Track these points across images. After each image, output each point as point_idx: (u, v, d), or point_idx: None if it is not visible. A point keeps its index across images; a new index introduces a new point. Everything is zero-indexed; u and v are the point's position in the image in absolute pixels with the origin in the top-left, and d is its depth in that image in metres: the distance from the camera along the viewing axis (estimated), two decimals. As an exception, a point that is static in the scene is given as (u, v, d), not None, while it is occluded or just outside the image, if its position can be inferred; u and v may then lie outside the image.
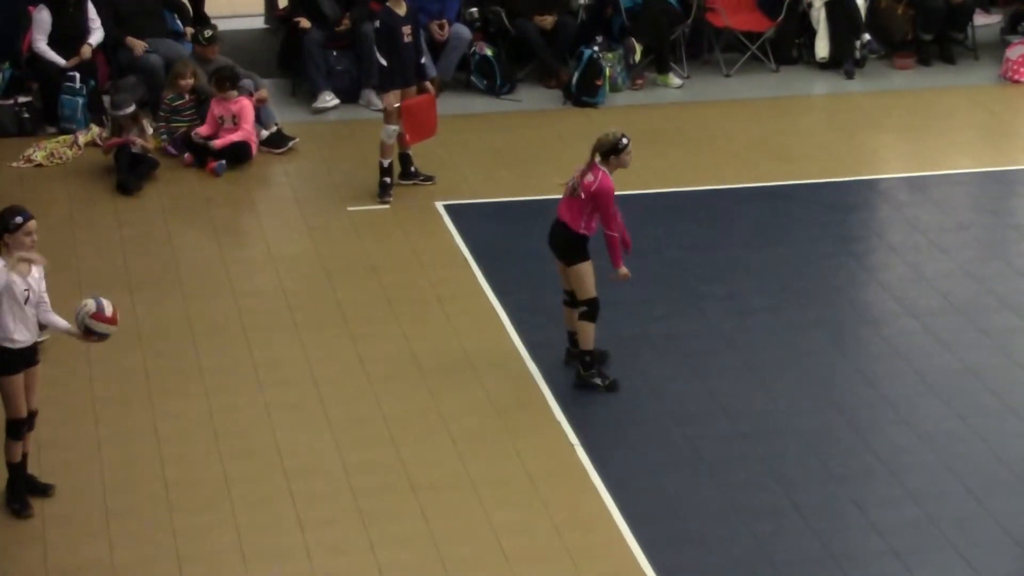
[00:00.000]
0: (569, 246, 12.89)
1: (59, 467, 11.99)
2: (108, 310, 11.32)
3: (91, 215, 16.33)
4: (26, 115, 17.85)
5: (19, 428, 11.35)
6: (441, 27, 18.71)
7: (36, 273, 11.17)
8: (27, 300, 11.09)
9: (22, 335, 11.15)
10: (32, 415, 11.44)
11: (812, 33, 20.18)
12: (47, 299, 11.35)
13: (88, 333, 11.39)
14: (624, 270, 13.05)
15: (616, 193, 12.90)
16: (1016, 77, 19.94)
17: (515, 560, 11.32)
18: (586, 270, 12.88)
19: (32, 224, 11.01)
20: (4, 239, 10.93)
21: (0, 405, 11.39)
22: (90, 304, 11.29)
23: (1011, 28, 20.70)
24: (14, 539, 11.31)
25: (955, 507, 12.10)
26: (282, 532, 11.45)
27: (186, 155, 17.27)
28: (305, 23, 18.48)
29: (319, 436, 12.69)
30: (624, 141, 12.77)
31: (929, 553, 11.61)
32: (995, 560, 11.45)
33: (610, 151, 12.78)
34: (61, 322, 11.44)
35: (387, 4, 16.35)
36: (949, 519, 11.96)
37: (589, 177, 12.71)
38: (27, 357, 11.27)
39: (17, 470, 11.48)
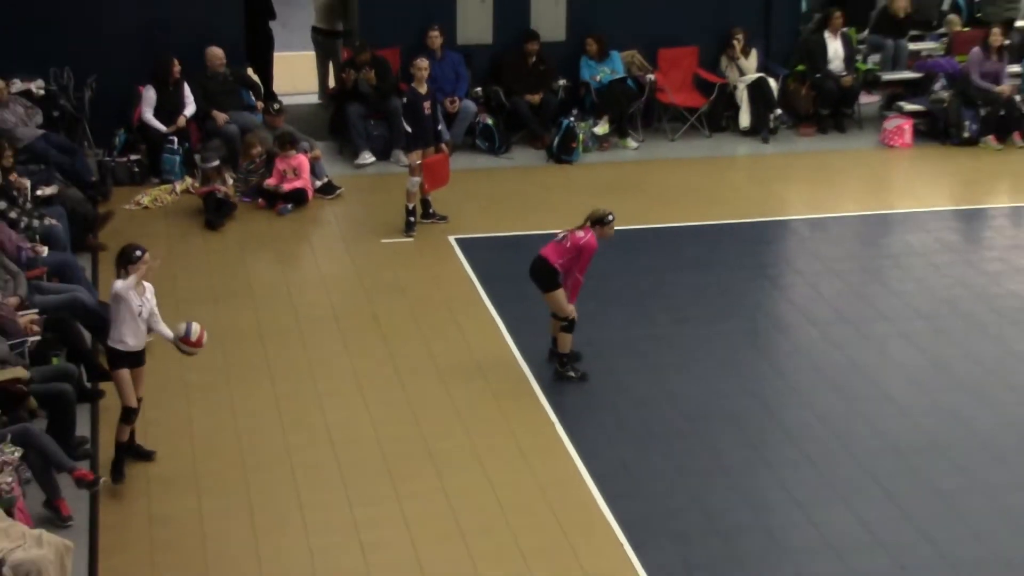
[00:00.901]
0: (545, 277, 13.00)
1: (160, 438, 12.01)
2: (194, 335, 11.42)
3: (186, 246, 16.33)
4: (136, 169, 17.90)
5: (130, 415, 11.37)
6: (453, 102, 18.76)
7: (148, 293, 11.30)
8: (139, 314, 11.14)
9: (132, 340, 11.24)
10: (138, 403, 11.44)
11: (736, 108, 20.18)
12: (158, 312, 11.38)
13: (179, 350, 11.51)
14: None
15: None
16: (890, 143, 19.98)
17: (507, 509, 11.40)
18: (560, 295, 13.01)
19: (147, 255, 11.12)
20: (128, 268, 11.04)
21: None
22: (181, 328, 11.38)
23: (887, 106, 20.74)
24: (126, 494, 11.36)
25: (843, 469, 12.15)
26: (329, 489, 11.52)
27: (259, 200, 17.33)
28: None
29: (357, 416, 12.73)
30: (610, 217, 13.10)
31: (823, 503, 11.65)
32: (872, 507, 11.49)
33: (598, 221, 13.04)
34: (167, 332, 11.43)
35: (412, 85, 16.46)
36: (839, 478, 12.01)
37: (580, 234, 12.91)
38: (134, 359, 11.31)
39: (123, 448, 11.48)
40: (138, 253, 11.15)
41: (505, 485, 11.80)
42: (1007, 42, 20.65)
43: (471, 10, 19.47)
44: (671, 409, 13.07)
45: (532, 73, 19.42)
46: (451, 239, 16.62)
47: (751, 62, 20.14)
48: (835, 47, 20.44)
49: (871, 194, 18.56)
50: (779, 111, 20.19)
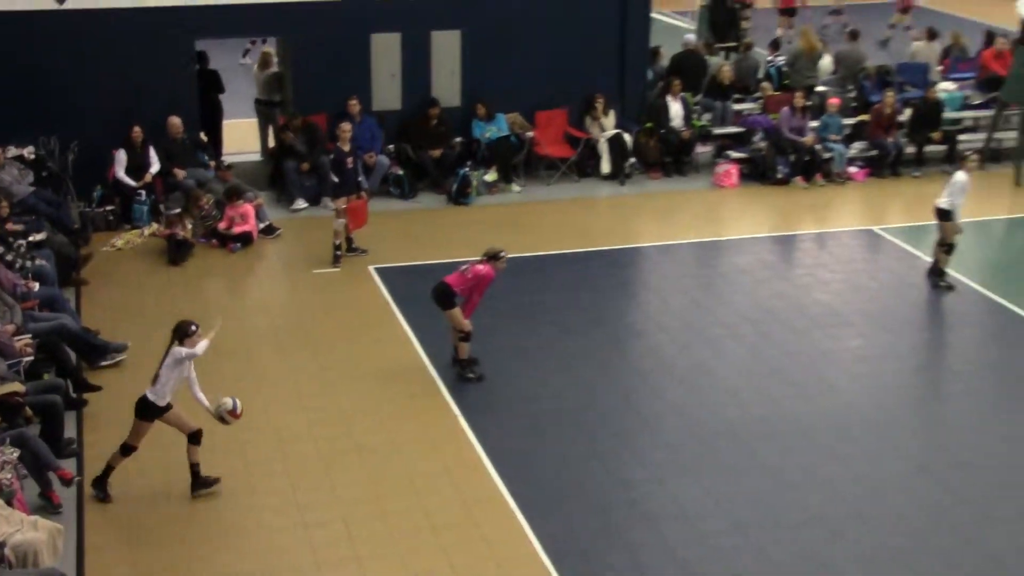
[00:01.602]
0: (443, 298, 13.12)
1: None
2: (239, 409, 11.14)
3: (153, 279, 16.11)
4: (111, 217, 17.64)
5: (129, 451, 11.08)
6: (370, 157, 18.64)
7: (188, 365, 10.99)
8: (185, 378, 11.00)
9: (170, 398, 10.92)
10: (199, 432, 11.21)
11: (599, 158, 20.23)
12: (196, 380, 11.17)
13: (220, 419, 11.15)
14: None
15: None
16: (721, 183, 20.12)
17: (420, 489, 11.49)
18: (456, 312, 13.14)
19: (198, 329, 10.89)
20: (183, 341, 10.75)
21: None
22: (228, 403, 11.09)
23: (718, 154, 20.88)
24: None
25: (691, 449, 12.24)
26: (274, 477, 11.57)
27: (213, 241, 17.12)
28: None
29: (296, 416, 12.65)
30: (502, 253, 13.31)
31: (676, 478, 11.74)
32: (715, 480, 11.57)
33: (493, 256, 13.23)
34: (204, 400, 11.14)
35: (337, 144, 16.48)
36: (688, 457, 12.07)
37: (480, 267, 13.08)
38: (162, 410, 10.91)
39: (111, 470, 11.19)
40: (193, 328, 10.85)
41: (419, 470, 11.83)
42: (808, 103, 20.93)
43: (383, 82, 19.38)
44: (554, 404, 13.11)
45: (434, 132, 19.36)
46: (371, 268, 16.49)
47: (609, 121, 20.23)
48: (675, 108, 20.59)
49: (706, 225, 18.67)
50: (633, 160, 20.29)
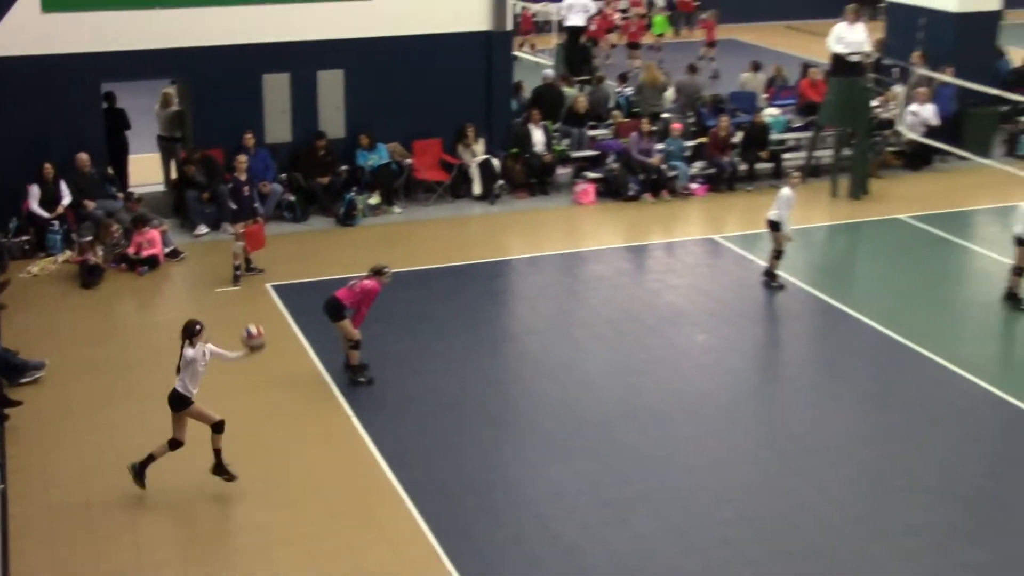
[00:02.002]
0: (333, 311, 13.05)
1: (59, 446, 11.49)
2: (254, 330, 11.38)
3: (67, 302, 15.70)
4: (27, 247, 17.10)
5: (178, 446, 11.13)
6: (265, 186, 18.39)
7: (207, 348, 11.04)
8: (202, 370, 11.01)
9: (195, 389, 11.03)
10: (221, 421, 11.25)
11: (471, 181, 20.22)
12: (220, 350, 11.29)
13: (255, 349, 11.42)
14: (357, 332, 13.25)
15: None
16: (579, 201, 20.24)
17: (320, 480, 11.44)
18: (346, 324, 13.08)
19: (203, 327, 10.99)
20: (192, 340, 10.83)
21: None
22: (243, 333, 11.40)
23: (576, 175, 20.98)
24: (27, 492, 10.93)
25: (560, 437, 12.33)
26: (190, 475, 11.30)
27: (122, 265, 16.73)
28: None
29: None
30: (387, 269, 13.29)
31: (548, 463, 11.81)
32: (583, 463, 11.65)
33: (378, 272, 13.20)
34: (233, 355, 11.40)
35: (235, 174, 16.33)
36: (558, 444, 12.15)
37: (366, 281, 13.04)
38: (191, 402, 11.00)
39: (152, 459, 11.16)
40: (198, 327, 10.92)
41: (318, 464, 11.80)
42: (654, 128, 21.17)
43: (275, 118, 19.16)
44: (438, 401, 13.09)
45: (322, 162, 19.18)
46: (268, 286, 16.28)
47: (479, 147, 20.24)
48: (537, 135, 20.69)
49: (568, 238, 18.80)
50: (501, 181, 20.31)
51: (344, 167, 19.55)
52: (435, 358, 14.20)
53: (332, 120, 19.60)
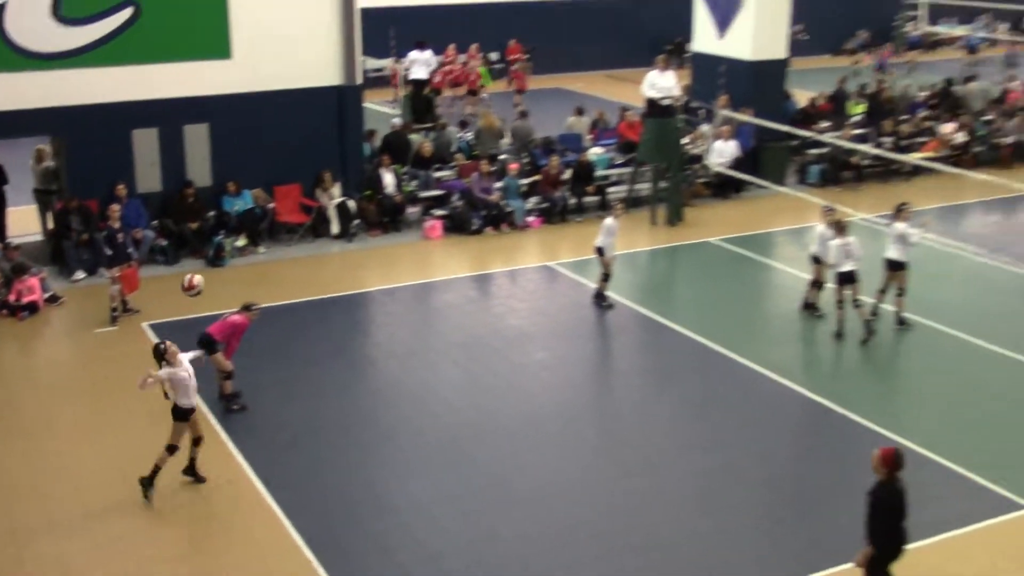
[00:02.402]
0: (208, 345, 12.77)
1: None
2: (186, 282, 13.20)
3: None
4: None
5: (174, 450, 11.31)
6: (138, 232, 17.92)
7: (185, 361, 11.26)
8: (191, 380, 11.20)
9: (194, 399, 11.31)
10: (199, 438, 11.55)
11: (329, 221, 20.05)
12: (193, 356, 11.68)
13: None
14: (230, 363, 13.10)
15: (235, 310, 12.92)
16: (428, 236, 20.28)
17: (200, 501, 11.20)
18: (219, 357, 12.87)
19: (171, 345, 11.20)
20: (163, 361, 11.07)
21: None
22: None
23: (424, 212, 21.00)
24: None
25: (422, 452, 12.28)
26: (73, 502, 10.80)
27: (3, 311, 16.11)
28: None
29: (90, 449, 12.05)
30: (255, 305, 13.17)
31: (409, 476, 11.74)
32: (443, 475, 11.63)
33: (247, 308, 13.10)
34: (196, 353, 11.99)
35: (109, 223, 15.88)
36: (419, 458, 12.10)
37: (236, 317, 12.93)
38: (191, 412, 11.29)
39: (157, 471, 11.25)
40: (162, 346, 11.18)
41: (197, 487, 11.48)
42: (493, 168, 21.36)
43: (145, 169, 18.73)
44: (307, 423, 12.96)
45: (190, 208, 18.81)
46: (144, 325, 15.88)
47: (336, 190, 20.10)
48: (388, 178, 20.67)
49: (419, 270, 18.79)
50: (357, 221, 20.21)
51: (211, 212, 19.20)
52: (303, 385, 14.03)
53: (199, 169, 19.24)
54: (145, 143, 18.72)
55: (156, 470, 11.18)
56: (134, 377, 13.96)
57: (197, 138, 19.17)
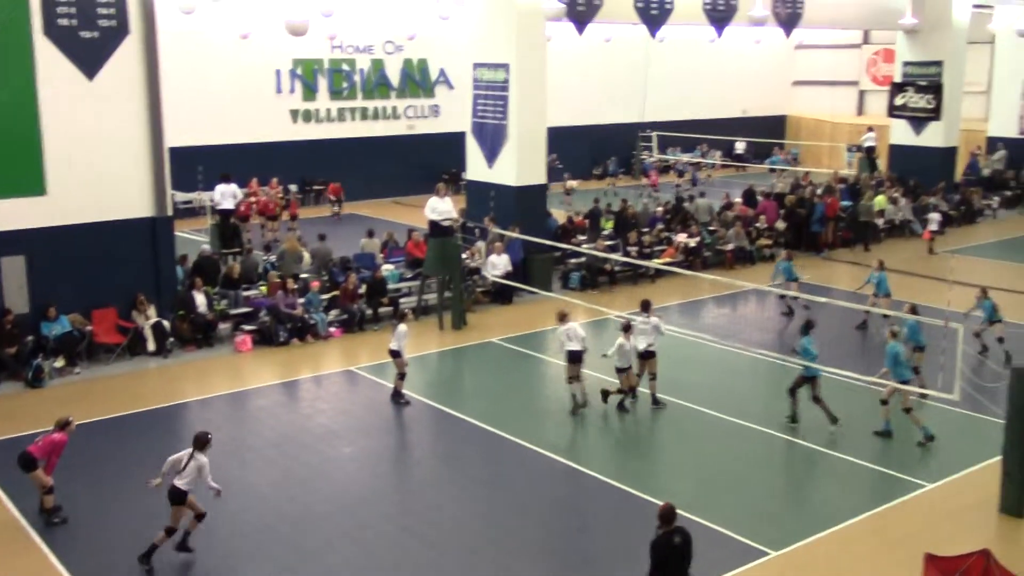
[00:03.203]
0: (28, 463, 12.26)
1: None
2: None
3: None
4: None
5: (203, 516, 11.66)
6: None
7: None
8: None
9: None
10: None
11: (146, 340, 19.31)
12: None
13: None
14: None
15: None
16: (239, 349, 19.85)
17: None
18: (38, 473, 12.32)
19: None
20: (204, 449, 11.41)
21: None
22: None
23: (235, 328, 20.51)
24: None
25: (238, 546, 11.82)
26: None
27: None
28: None
29: None
30: (71, 421, 12.57)
31: (233, 566, 11.23)
32: (264, 564, 11.18)
33: (63, 425, 12.47)
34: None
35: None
36: (239, 549, 11.64)
37: (55, 435, 12.31)
38: (187, 496, 11.44)
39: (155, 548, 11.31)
40: (209, 436, 11.48)
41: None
42: (296, 286, 21.23)
43: (-37, 299, 17.71)
44: (127, 528, 12.30)
45: (8, 334, 17.80)
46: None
47: (151, 311, 19.45)
48: (200, 298, 20.21)
49: (233, 381, 18.29)
50: (172, 339, 19.59)
51: (30, 337, 18.19)
52: (123, 494, 13.31)
53: (16, 298, 18.29)
54: (-37, 276, 17.74)
55: (154, 548, 11.28)
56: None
57: (14, 269, 18.24)
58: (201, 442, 11.36)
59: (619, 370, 16.25)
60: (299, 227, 29.83)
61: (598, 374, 17.15)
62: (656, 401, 16.61)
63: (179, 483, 11.24)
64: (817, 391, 15.57)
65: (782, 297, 22.59)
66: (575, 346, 16.26)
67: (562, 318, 16.52)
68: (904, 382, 15.16)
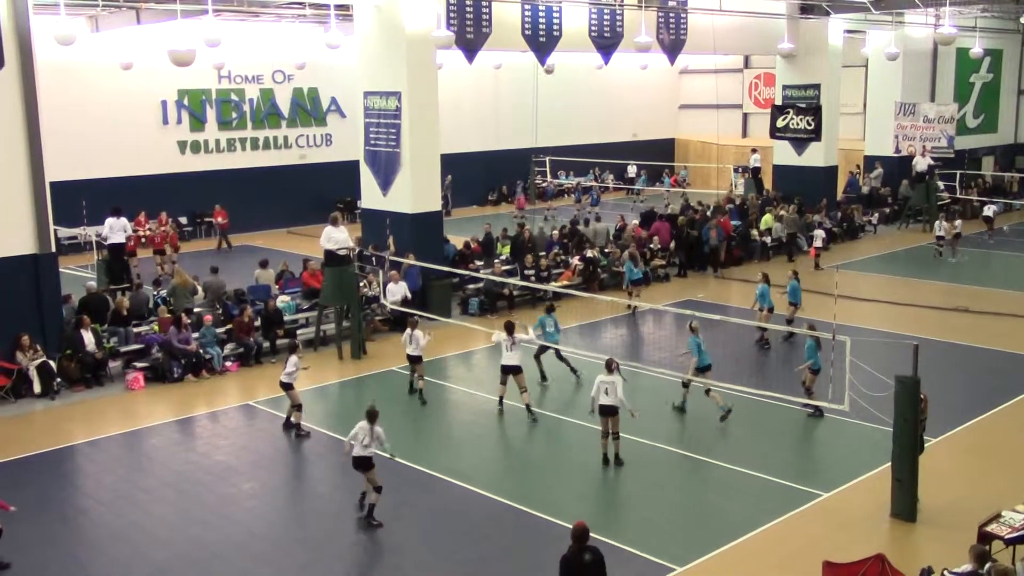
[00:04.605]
0: None
1: None
2: None
3: None
4: None
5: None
6: None
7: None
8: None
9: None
10: None
11: (31, 381, 18.58)
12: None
13: None
14: None
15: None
16: (132, 388, 19.30)
17: None
18: None
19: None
20: (375, 421, 13.18)
21: None
22: None
23: (126, 366, 19.90)
24: None
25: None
26: None
27: None
28: None
29: None
30: None
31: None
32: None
33: None
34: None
35: None
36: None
37: None
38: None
39: None
40: (376, 410, 13.26)
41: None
42: (190, 320, 20.72)
43: None
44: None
45: None
46: None
47: (39, 353, 18.71)
48: (88, 337, 19.56)
49: (125, 420, 17.71)
50: (59, 379, 18.91)
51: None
52: (6, 544, 12.57)
53: None
54: None
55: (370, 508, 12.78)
56: None
57: None
58: (373, 416, 13.06)
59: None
60: (178, 259, 29.16)
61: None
62: (530, 411, 17.29)
63: (363, 453, 12.93)
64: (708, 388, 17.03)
65: (763, 330, 21.24)
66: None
67: (509, 329, 17.28)
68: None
